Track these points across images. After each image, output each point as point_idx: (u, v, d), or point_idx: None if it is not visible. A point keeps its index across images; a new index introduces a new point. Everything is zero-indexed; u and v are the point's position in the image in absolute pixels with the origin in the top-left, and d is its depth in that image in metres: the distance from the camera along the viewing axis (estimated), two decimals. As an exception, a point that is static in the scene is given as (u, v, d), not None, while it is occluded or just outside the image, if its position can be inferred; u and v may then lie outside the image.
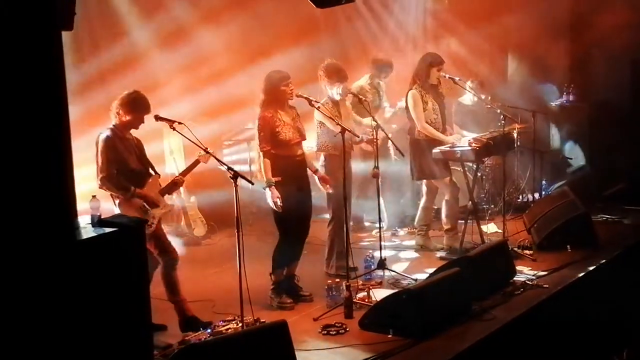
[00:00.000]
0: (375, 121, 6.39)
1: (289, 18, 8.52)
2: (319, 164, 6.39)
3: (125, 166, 5.20)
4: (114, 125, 5.23)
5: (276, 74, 5.74)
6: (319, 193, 6.42)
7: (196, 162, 5.65)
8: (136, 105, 5.21)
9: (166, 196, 5.55)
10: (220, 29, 8.26)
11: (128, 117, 5.18)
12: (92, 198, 4.27)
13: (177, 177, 5.60)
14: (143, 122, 5.29)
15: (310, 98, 5.83)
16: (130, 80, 6.83)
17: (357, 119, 7.17)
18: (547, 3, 9.25)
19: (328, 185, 6.04)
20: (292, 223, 5.78)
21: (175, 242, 7.92)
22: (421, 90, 6.86)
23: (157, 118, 5.26)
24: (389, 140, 6.72)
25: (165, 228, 7.96)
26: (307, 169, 5.99)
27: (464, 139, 6.88)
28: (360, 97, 6.55)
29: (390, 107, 7.84)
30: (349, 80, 6.58)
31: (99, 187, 5.12)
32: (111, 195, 5.19)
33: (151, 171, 5.42)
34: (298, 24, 8.46)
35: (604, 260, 6.47)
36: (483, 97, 8.07)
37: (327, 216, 6.58)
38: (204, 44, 8.24)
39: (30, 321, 3.40)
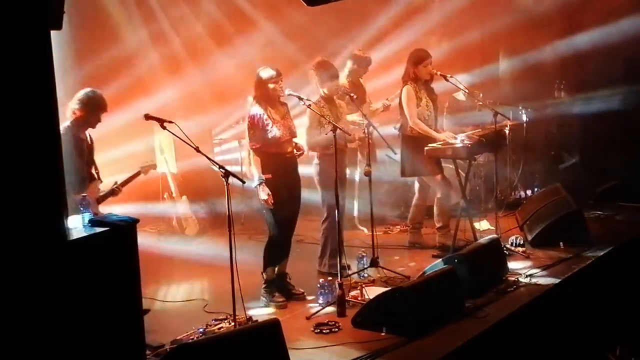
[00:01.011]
0: (367, 119, 6.38)
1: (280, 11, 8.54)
2: (313, 162, 6.39)
3: (71, 166, 5.14)
4: (70, 122, 5.22)
5: (264, 72, 5.71)
6: (313, 192, 6.41)
7: (137, 174, 5.66)
8: (91, 103, 5.22)
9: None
10: (208, 20, 8.29)
11: (81, 115, 5.20)
12: (82, 198, 4.25)
13: (115, 187, 5.56)
14: (100, 121, 5.31)
15: (302, 96, 5.80)
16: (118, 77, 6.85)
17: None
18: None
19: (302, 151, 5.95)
20: (282, 220, 5.76)
21: (167, 242, 7.98)
22: (415, 86, 6.86)
23: (148, 117, 5.20)
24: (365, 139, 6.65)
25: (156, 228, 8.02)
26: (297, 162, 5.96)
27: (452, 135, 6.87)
28: (352, 94, 6.52)
29: (373, 104, 7.78)
30: (338, 75, 6.54)
31: None
32: None
33: (94, 174, 5.37)
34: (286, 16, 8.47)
35: (596, 257, 6.47)
36: (476, 93, 8.06)
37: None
38: (190, 35, 8.27)
39: (20, 322, 3.37)
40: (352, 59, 7.72)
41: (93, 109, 5.24)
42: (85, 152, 5.29)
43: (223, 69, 8.17)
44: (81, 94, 5.27)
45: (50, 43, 3.55)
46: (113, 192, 5.52)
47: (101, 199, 5.43)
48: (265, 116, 5.65)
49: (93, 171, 5.38)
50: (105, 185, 5.55)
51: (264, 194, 5.58)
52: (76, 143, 5.22)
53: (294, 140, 5.87)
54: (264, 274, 5.80)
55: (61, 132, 5.06)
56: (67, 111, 5.23)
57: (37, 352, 3.42)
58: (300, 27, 8.64)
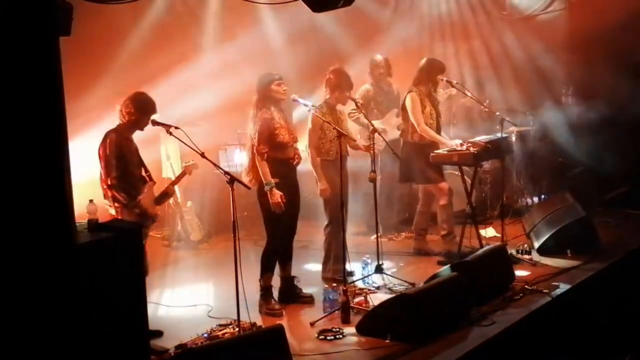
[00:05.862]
0: (372, 126, 6.34)
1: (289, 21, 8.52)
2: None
3: (129, 170, 5.14)
4: (118, 126, 5.18)
5: (266, 75, 5.75)
6: (316, 197, 6.39)
7: (183, 173, 5.64)
8: (143, 106, 5.16)
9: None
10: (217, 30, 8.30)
11: (133, 117, 5.13)
12: (89, 202, 4.25)
13: (168, 187, 5.54)
14: (147, 124, 5.21)
15: (306, 102, 5.81)
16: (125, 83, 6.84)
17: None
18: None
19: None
20: (282, 225, 5.77)
21: (172, 247, 7.98)
22: (420, 93, 6.85)
23: (154, 123, 5.20)
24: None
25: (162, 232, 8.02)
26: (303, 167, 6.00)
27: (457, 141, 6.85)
28: (358, 102, 6.50)
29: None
30: (353, 85, 6.44)
31: (107, 190, 5.06)
32: (113, 202, 5.10)
33: (145, 176, 5.36)
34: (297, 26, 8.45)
35: (604, 265, 6.42)
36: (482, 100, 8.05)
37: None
38: (201, 46, 8.27)
39: (26, 326, 3.37)
40: (371, 64, 7.76)
41: (145, 110, 5.16)
42: (136, 153, 5.26)
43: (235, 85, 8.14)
44: (133, 95, 5.19)
45: (59, 49, 3.57)
46: (167, 193, 5.50)
47: (157, 201, 5.37)
48: (274, 120, 5.66)
49: (144, 173, 5.36)
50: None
51: (276, 197, 5.58)
52: (128, 144, 5.18)
53: (295, 146, 5.89)
54: (261, 280, 5.75)
55: (114, 134, 5.07)
56: (118, 113, 5.16)
57: (43, 355, 3.43)
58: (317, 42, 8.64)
